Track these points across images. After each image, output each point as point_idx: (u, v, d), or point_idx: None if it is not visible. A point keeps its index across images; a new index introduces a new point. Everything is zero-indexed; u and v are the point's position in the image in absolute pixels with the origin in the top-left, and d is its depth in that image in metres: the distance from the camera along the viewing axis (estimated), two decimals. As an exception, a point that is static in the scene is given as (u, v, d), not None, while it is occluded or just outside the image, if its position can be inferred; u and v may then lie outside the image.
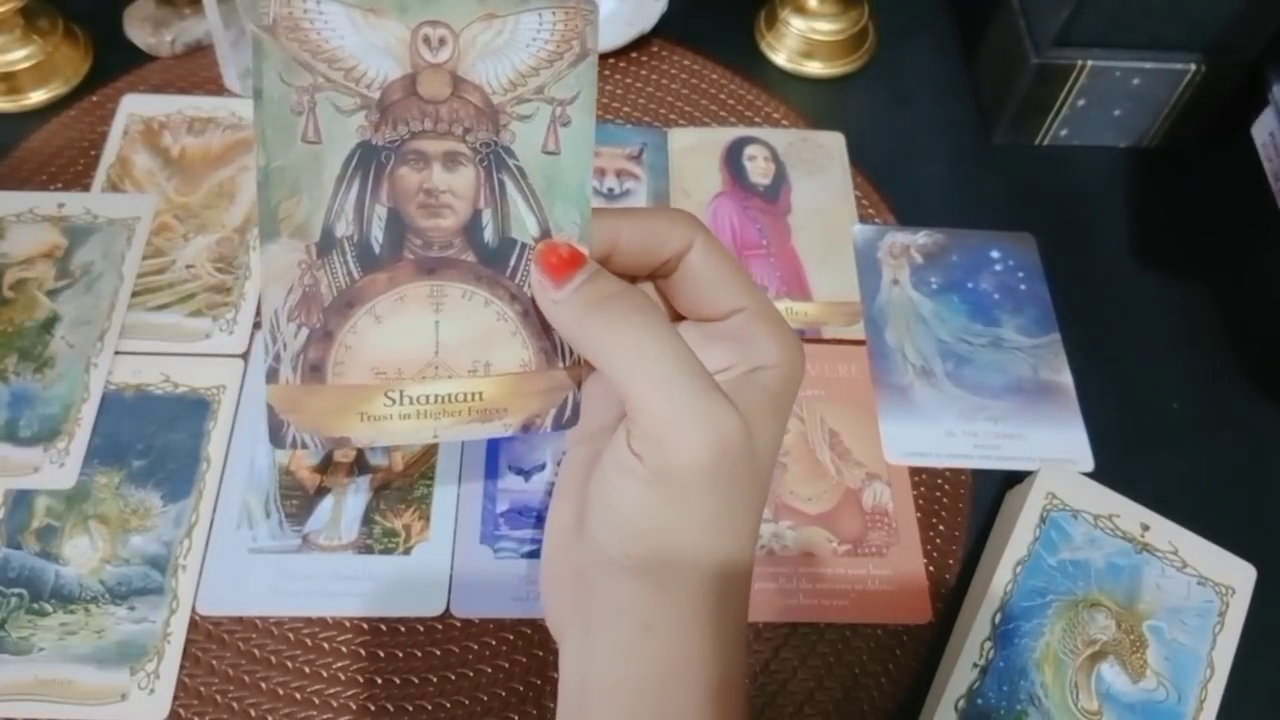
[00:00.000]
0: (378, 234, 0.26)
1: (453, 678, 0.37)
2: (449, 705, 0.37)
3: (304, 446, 0.26)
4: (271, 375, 0.25)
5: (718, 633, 0.25)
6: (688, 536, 0.24)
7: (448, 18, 0.25)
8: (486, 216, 0.26)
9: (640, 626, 0.24)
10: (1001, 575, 0.39)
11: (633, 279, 0.28)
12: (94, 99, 0.51)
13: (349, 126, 0.25)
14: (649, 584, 0.24)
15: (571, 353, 0.28)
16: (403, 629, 0.38)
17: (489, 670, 0.38)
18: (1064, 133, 0.54)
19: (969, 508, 0.43)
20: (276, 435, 0.26)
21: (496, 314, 0.27)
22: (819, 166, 0.52)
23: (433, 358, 0.26)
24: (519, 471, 0.41)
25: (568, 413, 0.28)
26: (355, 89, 0.25)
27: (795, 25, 0.55)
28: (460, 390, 0.27)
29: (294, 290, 0.25)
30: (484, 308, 0.27)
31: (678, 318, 0.28)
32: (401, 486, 0.40)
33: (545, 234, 0.26)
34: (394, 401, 0.26)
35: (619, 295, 0.25)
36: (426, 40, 0.25)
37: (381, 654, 0.38)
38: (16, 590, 0.37)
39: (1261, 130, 0.48)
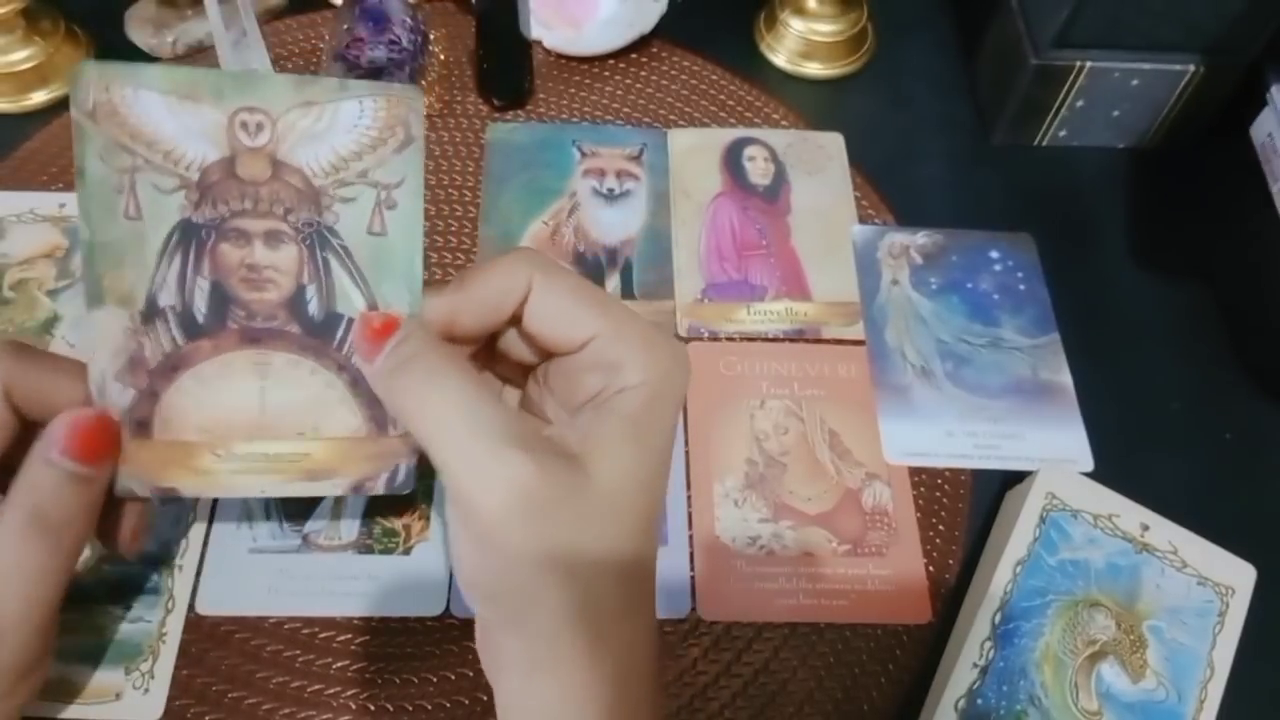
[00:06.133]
0: (200, 305, 0.27)
1: (453, 678, 0.37)
2: (449, 705, 0.37)
3: (134, 495, 0.28)
4: None
5: (599, 664, 0.25)
6: (525, 588, 0.24)
7: (265, 104, 0.25)
8: (311, 292, 0.27)
9: (525, 673, 0.25)
10: (1001, 575, 0.38)
11: (494, 337, 0.28)
12: (94, 100, 0.51)
13: (170, 205, 0.26)
14: (513, 634, 0.25)
15: None
16: (402, 629, 0.38)
17: (488, 670, 0.38)
18: (1063, 133, 0.54)
19: (969, 508, 0.42)
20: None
21: (324, 382, 0.28)
22: (818, 167, 0.52)
23: (259, 419, 0.28)
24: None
25: (400, 478, 0.29)
26: (175, 170, 0.26)
27: (795, 26, 0.56)
28: (288, 450, 0.28)
29: (120, 354, 0.27)
30: (310, 376, 0.28)
31: (548, 356, 0.28)
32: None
33: (372, 308, 0.27)
34: (221, 458, 0.28)
35: (416, 358, 0.25)
36: (244, 125, 0.26)
37: (381, 654, 0.37)
38: (16, 590, 0.37)
39: (1261, 130, 0.48)
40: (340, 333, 0.27)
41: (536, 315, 0.27)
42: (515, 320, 0.27)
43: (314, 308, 0.27)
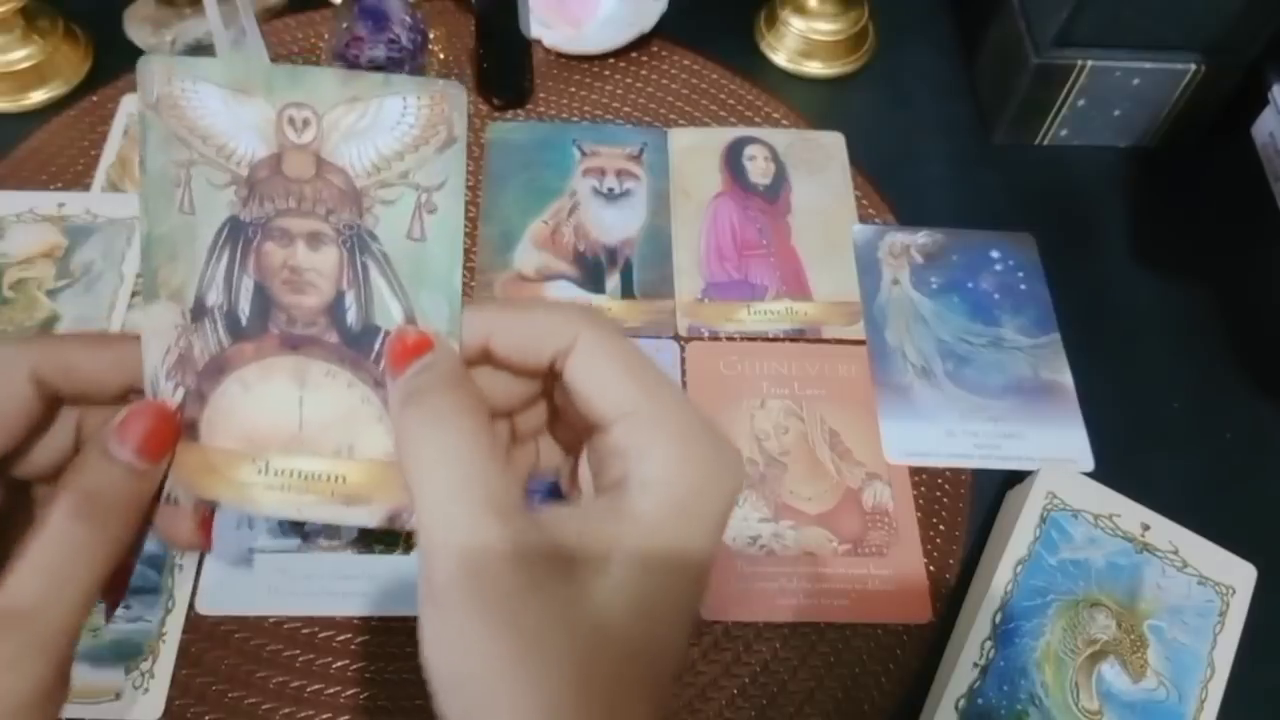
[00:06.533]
0: (245, 306, 0.26)
1: (452, 677, 0.37)
2: (448, 705, 0.37)
3: (175, 502, 0.27)
4: None
5: None
6: (479, 679, 0.21)
7: (311, 100, 0.25)
8: (349, 299, 0.26)
9: None
10: (1002, 575, 0.38)
11: (553, 390, 0.26)
12: (94, 99, 0.51)
13: (221, 200, 0.26)
14: None
15: None
16: (403, 629, 0.38)
17: (488, 670, 0.37)
18: (1064, 133, 0.54)
19: (969, 508, 0.42)
20: None
21: (361, 398, 0.26)
22: (819, 166, 0.52)
23: (297, 433, 0.27)
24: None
25: None
26: (226, 165, 0.25)
27: (795, 25, 0.56)
28: (324, 470, 0.27)
29: (171, 350, 0.26)
30: (347, 389, 0.26)
31: (591, 428, 0.25)
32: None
33: (410, 322, 0.26)
34: (261, 471, 0.27)
35: (427, 393, 0.24)
36: (291, 121, 0.25)
37: (381, 654, 0.38)
38: (15, 590, 0.37)
39: (1261, 130, 0.49)
40: (378, 346, 0.26)
41: (576, 374, 0.24)
42: (551, 377, 0.26)
43: (352, 316, 0.26)
